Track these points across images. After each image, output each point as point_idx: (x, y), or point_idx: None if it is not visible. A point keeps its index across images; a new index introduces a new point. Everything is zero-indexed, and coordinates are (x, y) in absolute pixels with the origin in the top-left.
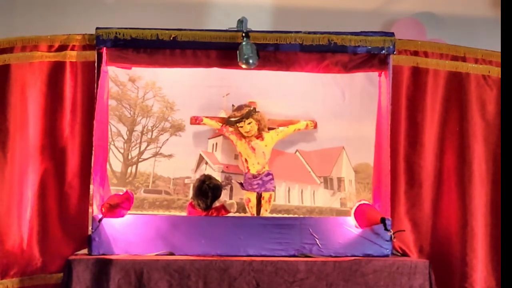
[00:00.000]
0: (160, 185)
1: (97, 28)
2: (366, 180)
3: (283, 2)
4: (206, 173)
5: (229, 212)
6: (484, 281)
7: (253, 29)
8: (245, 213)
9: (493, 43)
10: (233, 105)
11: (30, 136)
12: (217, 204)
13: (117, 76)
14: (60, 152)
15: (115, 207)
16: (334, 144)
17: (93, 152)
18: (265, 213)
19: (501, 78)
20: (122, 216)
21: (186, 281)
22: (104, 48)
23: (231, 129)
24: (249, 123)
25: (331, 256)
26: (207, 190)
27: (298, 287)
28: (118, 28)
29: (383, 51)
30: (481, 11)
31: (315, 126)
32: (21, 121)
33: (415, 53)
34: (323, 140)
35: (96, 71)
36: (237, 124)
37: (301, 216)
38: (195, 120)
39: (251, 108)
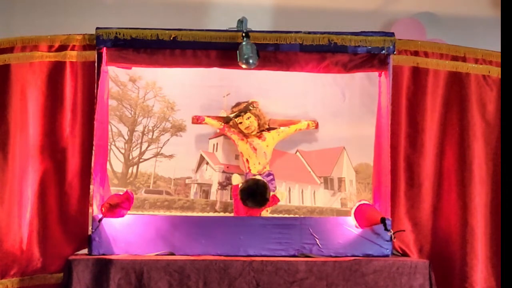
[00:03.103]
0: (161, 185)
1: (97, 28)
2: (367, 180)
3: (283, 2)
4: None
5: (279, 200)
6: (484, 281)
7: (253, 29)
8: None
9: (493, 43)
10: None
11: (30, 136)
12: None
13: (117, 76)
14: (60, 152)
15: (115, 207)
16: (334, 144)
17: (93, 152)
18: (265, 213)
19: (501, 78)
20: (122, 216)
21: (186, 281)
22: (104, 48)
23: (233, 129)
24: (248, 118)
25: (331, 256)
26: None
27: (298, 287)
28: (118, 28)
29: (383, 51)
30: (481, 11)
31: (317, 126)
32: (21, 121)
33: (415, 53)
34: (323, 140)
35: (96, 71)
36: (236, 120)
37: (301, 216)
38: (197, 120)
39: (249, 102)
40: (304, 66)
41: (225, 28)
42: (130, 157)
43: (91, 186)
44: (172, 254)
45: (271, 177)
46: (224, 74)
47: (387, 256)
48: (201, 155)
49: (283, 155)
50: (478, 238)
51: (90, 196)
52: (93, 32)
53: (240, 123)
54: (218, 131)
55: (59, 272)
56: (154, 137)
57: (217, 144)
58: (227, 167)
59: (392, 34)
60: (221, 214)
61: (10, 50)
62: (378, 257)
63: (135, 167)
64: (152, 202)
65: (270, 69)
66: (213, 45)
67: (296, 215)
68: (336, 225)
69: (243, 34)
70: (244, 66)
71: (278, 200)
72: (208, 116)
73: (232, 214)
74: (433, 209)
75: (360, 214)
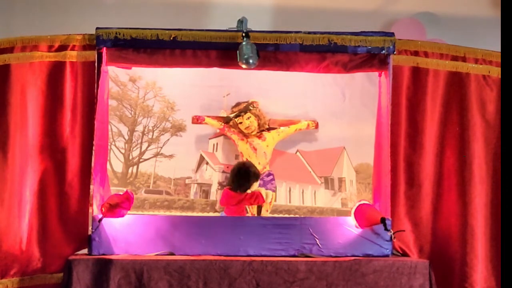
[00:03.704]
0: (161, 185)
1: (97, 28)
2: (367, 180)
3: (283, 2)
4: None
5: (264, 201)
6: (484, 281)
7: (253, 29)
8: (245, 213)
9: (493, 43)
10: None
11: (30, 136)
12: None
13: (117, 76)
14: (60, 152)
15: (115, 207)
16: (334, 144)
17: (93, 152)
18: (265, 213)
19: (501, 78)
20: (122, 216)
21: (186, 281)
22: (104, 48)
23: (233, 129)
24: (248, 118)
25: (331, 256)
26: (248, 173)
27: (298, 287)
28: (118, 28)
29: (383, 51)
30: (481, 11)
31: (317, 126)
32: (21, 121)
33: (415, 53)
34: (323, 140)
35: (96, 71)
36: (236, 120)
37: (302, 216)
38: (197, 120)
39: (249, 102)
40: (304, 66)
41: (225, 28)
42: (130, 157)
43: (91, 186)
44: (172, 254)
45: (271, 177)
46: (224, 74)
47: (387, 256)
48: (201, 155)
49: (283, 155)
50: (478, 238)
51: (90, 196)
52: (93, 32)
53: (240, 123)
54: (218, 131)
55: (59, 272)
56: (154, 137)
57: (217, 144)
58: (227, 167)
59: (392, 34)
60: (221, 214)
61: (10, 50)
62: (378, 257)
63: (135, 167)
64: (152, 202)
65: (270, 69)
66: (213, 45)
67: (297, 215)
68: (336, 225)
69: (243, 34)
70: (244, 66)
71: (263, 200)
72: (208, 116)
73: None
74: (433, 209)
75: (360, 214)
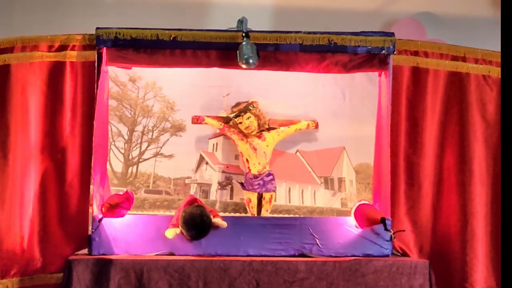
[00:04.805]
0: (161, 185)
1: (97, 28)
2: (367, 180)
3: (283, 2)
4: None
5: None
6: (484, 281)
7: (253, 29)
8: (245, 213)
9: (493, 43)
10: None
11: (31, 136)
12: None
13: (117, 76)
14: (60, 152)
15: (115, 207)
16: (334, 144)
17: (93, 152)
18: (265, 213)
19: (501, 78)
20: (122, 216)
21: (186, 281)
22: (104, 48)
23: (233, 129)
24: (248, 118)
25: (331, 256)
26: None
27: (298, 287)
28: (118, 28)
29: (383, 51)
30: (481, 11)
31: (317, 126)
32: (22, 121)
33: (415, 53)
34: (323, 140)
35: (96, 71)
36: (236, 120)
37: (301, 216)
38: (197, 120)
39: (249, 102)
40: (304, 66)
41: (225, 28)
42: (130, 157)
43: (91, 186)
44: (172, 254)
45: (271, 177)
46: (224, 74)
47: (387, 256)
48: (200, 155)
49: (283, 155)
50: (478, 238)
51: (90, 196)
52: (93, 32)
53: (240, 123)
54: (218, 131)
55: (59, 272)
56: (153, 137)
57: (217, 144)
58: (227, 167)
59: (392, 34)
60: (221, 214)
61: (10, 50)
62: (378, 257)
63: (135, 167)
64: (152, 202)
65: (270, 69)
66: (213, 45)
67: (296, 215)
68: (336, 225)
69: (243, 34)
70: (244, 66)
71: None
72: (208, 116)
73: (232, 214)
74: (433, 209)
75: (360, 214)
